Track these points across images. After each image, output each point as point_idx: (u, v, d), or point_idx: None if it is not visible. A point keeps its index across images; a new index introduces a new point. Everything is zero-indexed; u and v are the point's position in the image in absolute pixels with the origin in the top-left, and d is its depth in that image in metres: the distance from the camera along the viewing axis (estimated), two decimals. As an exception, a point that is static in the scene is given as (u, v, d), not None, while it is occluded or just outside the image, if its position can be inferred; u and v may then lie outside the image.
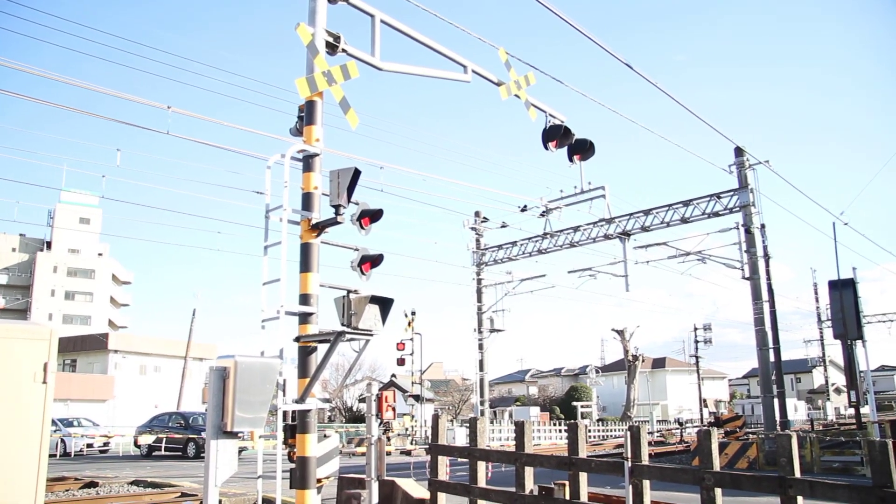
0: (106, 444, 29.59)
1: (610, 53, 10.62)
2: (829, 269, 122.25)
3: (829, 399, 60.71)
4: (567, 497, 6.72)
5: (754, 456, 18.77)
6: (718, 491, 5.62)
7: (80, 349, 50.24)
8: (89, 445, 28.63)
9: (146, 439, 26.77)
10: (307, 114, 7.72)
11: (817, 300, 45.51)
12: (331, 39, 7.91)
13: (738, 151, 20.94)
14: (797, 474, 5.18)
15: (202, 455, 24.18)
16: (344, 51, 8.04)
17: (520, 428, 7.22)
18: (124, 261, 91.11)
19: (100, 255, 75.57)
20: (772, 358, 19.98)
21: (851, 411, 36.02)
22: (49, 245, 72.75)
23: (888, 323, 45.06)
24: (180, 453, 25.58)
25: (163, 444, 26.09)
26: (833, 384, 61.32)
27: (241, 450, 22.94)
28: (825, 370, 56.52)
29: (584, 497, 6.59)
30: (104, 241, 76.17)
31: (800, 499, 5.16)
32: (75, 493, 13.37)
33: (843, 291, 19.88)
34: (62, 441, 27.20)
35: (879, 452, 4.81)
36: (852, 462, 17.92)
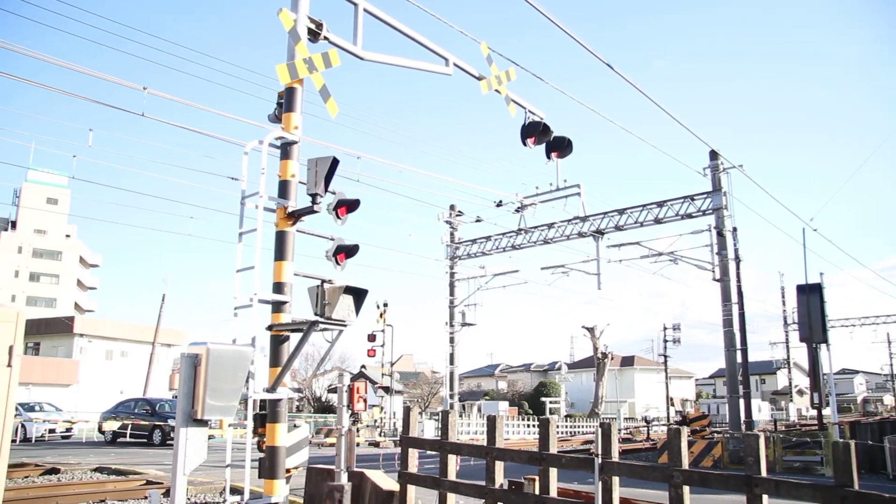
0: (69, 429, 29.00)
1: (591, 53, 10.65)
2: (796, 273, 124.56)
3: (791, 400, 61.99)
4: (537, 492, 6.75)
5: (719, 454, 19.10)
6: (686, 489, 5.68)
7: (44, 332, 49.18)
8: (51, 431, 28.03)
9: (111, 425, 26.31)
10: (286, 101, 7.64)
11: (784, 303, 46.25)
12: (313, 26, 7.83)
13: (713, 155, 21.16)
14: (764, 473, 5.26)
15: (168, 442, 24.01)
16: (326, 38, 7.97)
17: (491, 423, 7.23)
18: (93, 244, 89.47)
19: (67, 236, 74.12)
20: (739, 359, 20.31)
21: (813, 412, 36.78)
22: (14, 224, 71.15)
23: (850, 328, 46.13)
24: (146, 440, 25.26)
25: (128, 431, 25.70)
26: (796, 386, 62.61)
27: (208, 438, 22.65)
28: (789, 372, 57.63)
29: (553, 492, 6.61)
30: (72, 222, 74.76)
31: (765, 497, 5.23)
32: (35, 480, 13.06)
33: (811, 296, 20.30)
34: (22, 426, 26.54)
35: (842, 453, 4.89)
36: (813, 462, 18.32)
